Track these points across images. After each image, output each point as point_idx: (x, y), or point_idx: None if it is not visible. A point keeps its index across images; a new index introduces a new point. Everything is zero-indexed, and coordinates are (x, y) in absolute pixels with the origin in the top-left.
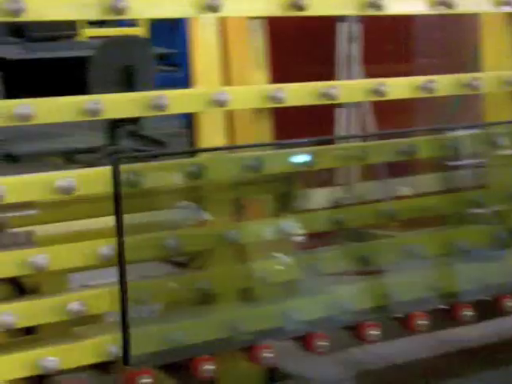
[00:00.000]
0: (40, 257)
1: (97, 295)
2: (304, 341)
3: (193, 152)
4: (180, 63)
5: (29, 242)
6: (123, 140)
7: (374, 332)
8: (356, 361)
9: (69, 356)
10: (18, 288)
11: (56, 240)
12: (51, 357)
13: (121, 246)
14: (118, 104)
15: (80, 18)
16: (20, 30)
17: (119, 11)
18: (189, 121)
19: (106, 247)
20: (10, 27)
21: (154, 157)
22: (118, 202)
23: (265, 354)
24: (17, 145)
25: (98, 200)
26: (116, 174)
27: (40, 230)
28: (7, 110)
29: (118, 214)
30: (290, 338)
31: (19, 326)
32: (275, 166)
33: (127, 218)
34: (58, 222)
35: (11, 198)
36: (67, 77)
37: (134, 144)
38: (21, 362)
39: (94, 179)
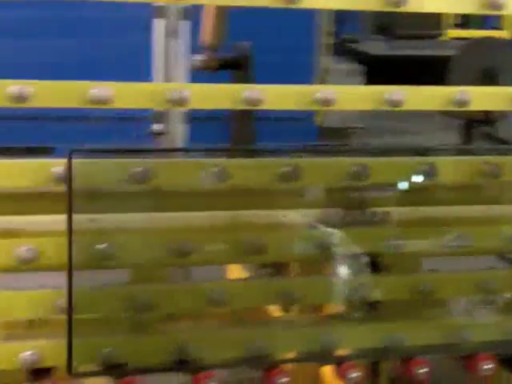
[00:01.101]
0: (395, 238)
1: (445, 279)
2: None
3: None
4: None
5: (386, 221)
6: (476, 141)
7: None
8: None
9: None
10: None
11: (411, 223)
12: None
13: (70, 246)
14: (486, 96)
15: (458, 12)
16: (386, 28)
17: (497, 6)
18: None
19: None
20: (377, 25)
21: (108, 151)
22: (70, 198)
23: None
24: (365, 138)
25: None
26: (70, 169)
27: (395, 211)
28: (378, 96)
29: (70, 211)
30: None
31: (371, 301)
32: None
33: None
34: None
35: None
36: (427, 75)
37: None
38: (366, 333)
39: None
